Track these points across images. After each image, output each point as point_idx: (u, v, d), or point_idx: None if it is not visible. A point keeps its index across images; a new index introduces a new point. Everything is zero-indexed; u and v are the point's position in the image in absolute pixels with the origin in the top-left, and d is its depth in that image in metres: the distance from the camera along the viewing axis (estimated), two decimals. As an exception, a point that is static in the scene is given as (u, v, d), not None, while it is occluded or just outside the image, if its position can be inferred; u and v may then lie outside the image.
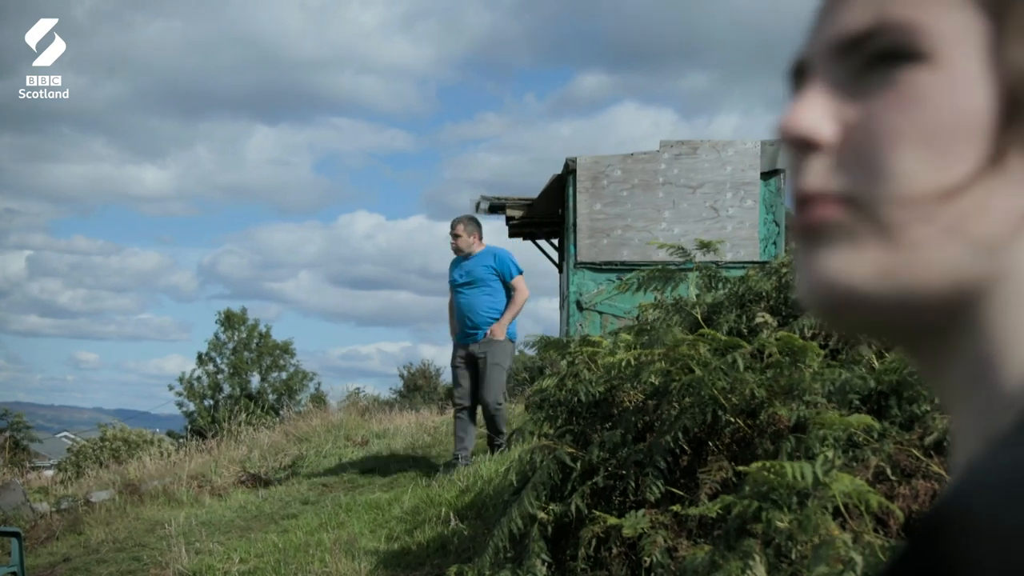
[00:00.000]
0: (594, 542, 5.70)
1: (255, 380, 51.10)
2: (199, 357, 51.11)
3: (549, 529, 6.19)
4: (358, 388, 18.44)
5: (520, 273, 10.26)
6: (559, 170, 18.81)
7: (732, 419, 5.44)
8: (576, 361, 6.93)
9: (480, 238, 10.39)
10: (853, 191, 0.68)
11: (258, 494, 11.88)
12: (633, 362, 6.25)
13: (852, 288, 0.67)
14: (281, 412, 21.03)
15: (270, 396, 48.93)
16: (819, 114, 0.70)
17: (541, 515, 6.18)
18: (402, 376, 44.68)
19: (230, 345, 51.42)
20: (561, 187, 18.88)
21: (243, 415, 17.64)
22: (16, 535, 9.09)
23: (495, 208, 20.03)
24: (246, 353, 51.05)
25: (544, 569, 6.03)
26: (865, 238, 0.67)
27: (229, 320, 51.90)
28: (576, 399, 6.66)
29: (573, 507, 6.04)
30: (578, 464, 6.24)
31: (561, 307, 19.72)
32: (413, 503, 9.36)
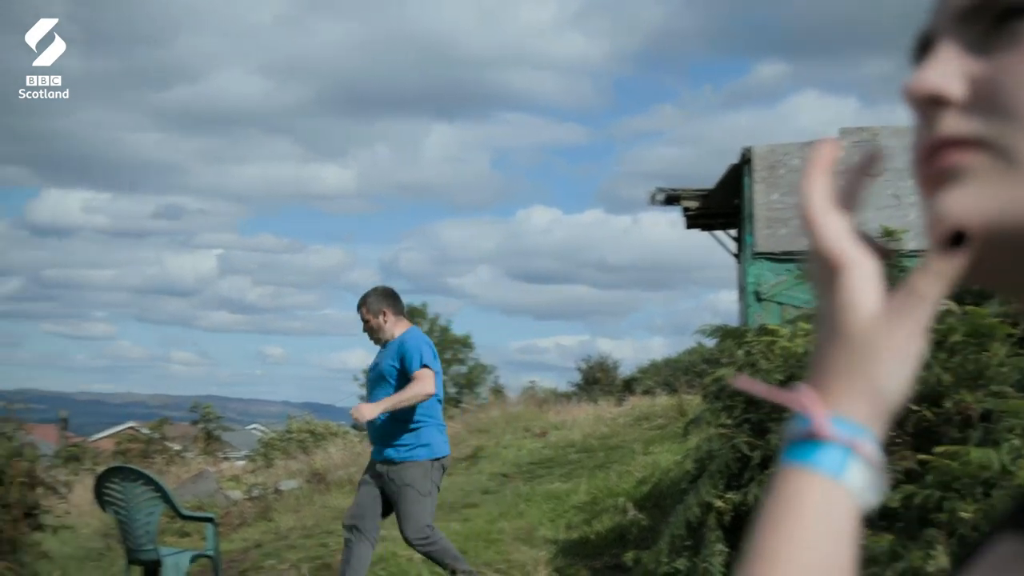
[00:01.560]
0: (773, 532, 5.65)
1: (436, 374, 51.89)
2: (382, 351, 52.18)
3: (726, 518, 6.16)
4: (532, 381, 18.58)
5: (424, 366, 7.28)
6: (736, 161, 18.60)
7: (915, 407, 5.33)
8: (753, 351, 6.87)
9: (396, 314, 7.71)
10: (987, 134, 0.71)
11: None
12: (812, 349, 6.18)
13: (978, 222, 0.70)
14: (461, 404, 21.31)
15: (451, 389, 49.61)
16: (947, 72, 0.73)
17: (718, 504, 6.16)
18: (580, 370, 44.81)
19: (411, 339, 52.30)
20: (738, 177, 18.66)
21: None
22: (211, 520, 9.46)
23: (671, 199, 19.92)
24: (427, 347, 51.88)
25: (721, 559, 6.01)
26: (994, 176, 0.70)
27: (411, 315, 52.82)
28: (754, 389, 6.61)
29: (751, 496, 6.00)
30: (756, 453, 6.20)
31: (740, 299, 19.52)
32: (591, 493, 9.41)
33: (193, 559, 9.21)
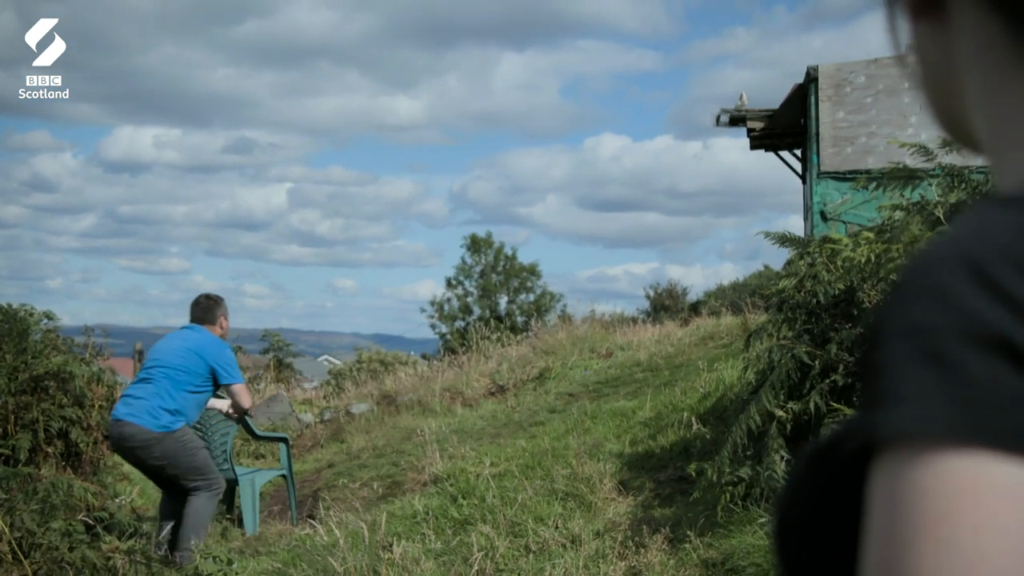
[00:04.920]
0: (834, 439, 5.72)
1: (503, 302, 52.16)
2: (448, 281, 52.55)
3: (788, 427, 6.24)
4: (592, 311, 18.68)
5: None
6: (801, 80, 18.45)
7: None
8: (815, 263, 6.91)
9: None
10: None
11: (507, 404, 12.29)
12: (873, 259, 6.22)
13: None
14: (529, 330, 21.45)
15: (518, 318, 49.79)
16: None
17: (779, 413, 6.24)
18: (648, 297, 44.87)
19: (477, 268, 52.57)
20: (803, 96, 18.51)
21: (492, 334, 18.09)
22: (284, 440, 9.71)
23: (736, 120, 19.79)
24: (493, 276, 52.12)
25: (783, 466, 6.10)
26: None
27: (475, 244, 52.96)
28: (815, 300, 6.65)
29: (812, 405, 6.08)
30: (816, 362, 6.26)
31: (805, 218, 19.43)
32: (656, 409, 9.52)
33: (268, 479, 9.47)
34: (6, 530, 5.19)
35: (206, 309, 8.26)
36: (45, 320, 9.40)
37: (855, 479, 0.66)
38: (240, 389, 8.28)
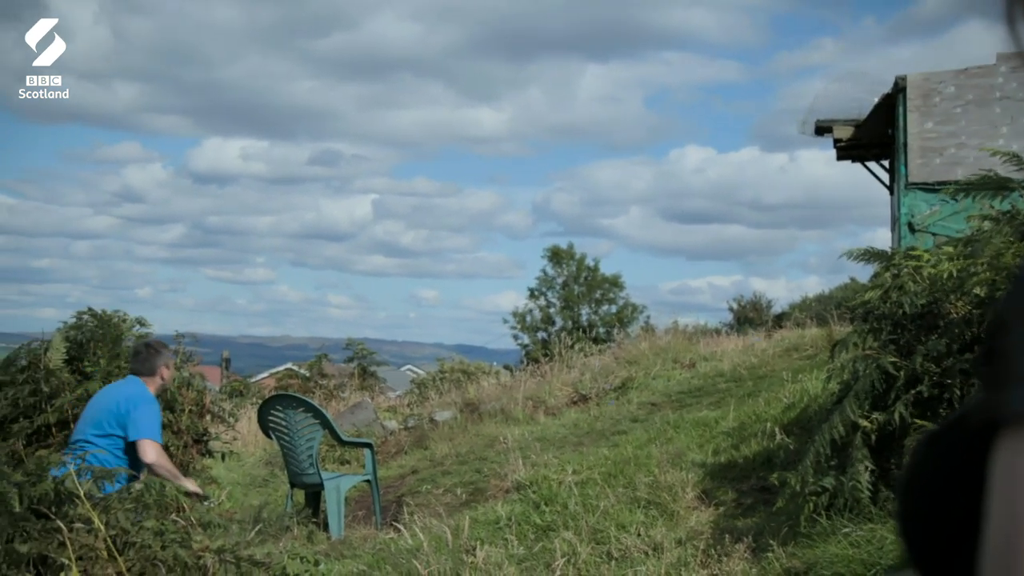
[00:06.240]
0: (919, 450, 5.69)
1: (585, 313, 52.03)
2: (530, 292, 52.54)
3: (872, 437, 6.21)
4: (675, 321, 18.58)
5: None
6: (889, 90, 18.25)
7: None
8: (901, 273, 6.87)
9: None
10: None
11: (589, 413, 12.32)
12: (956, 273, 6.18)
13: None
14: (612, 340, 21.43)
15: (600, 329, 49.66)
16: None
17: (863, 423, 6.21)
18: (731, 309, 44.58)
19: (559, 280, 52.50)
20: (891, 106, 18.30)
21: (575, 345, 18.12)
22: (369, 446, 9.85)
23: (821, 130, 19.61)
24: (575, 287, 52.02)
25: (867, 476, 6.07)
26: None
27: (556, 256, 52.87)
28: (901, 311, 6.62)
29: (896, 416, 6.05)
30: (901, 373, 6.23)
31: (892, 230, 19.22)
32: (739, 419, 9.50)
33: (353, 484, 9.61)
34: (101, 528, 5.33)
35: (145, 360, 7.11)
36: (137, 326, 9.65)
37: (978, 457, 0.71)
38: (145, 445, 6.76)
